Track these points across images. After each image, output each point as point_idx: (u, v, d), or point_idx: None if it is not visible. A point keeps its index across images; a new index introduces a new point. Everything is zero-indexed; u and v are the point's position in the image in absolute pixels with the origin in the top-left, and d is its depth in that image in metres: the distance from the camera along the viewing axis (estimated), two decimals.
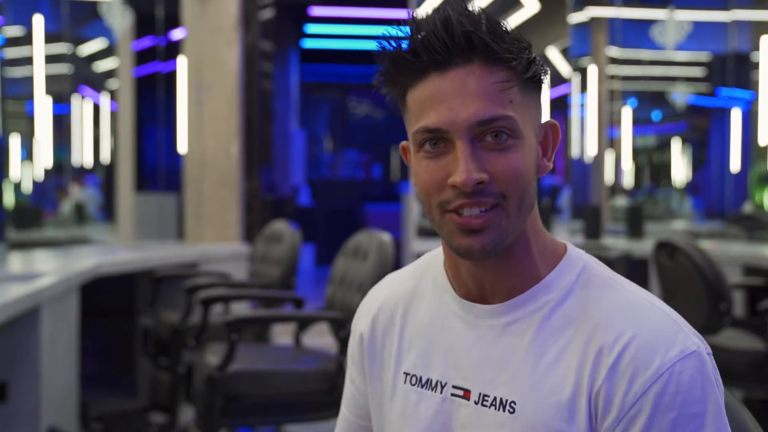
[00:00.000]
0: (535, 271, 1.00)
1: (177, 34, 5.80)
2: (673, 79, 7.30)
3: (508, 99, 0.94)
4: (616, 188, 7.26)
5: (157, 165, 6.48)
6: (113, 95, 5.90)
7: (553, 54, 8.37)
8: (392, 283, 1.16)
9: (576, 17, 6.97)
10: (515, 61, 0.94)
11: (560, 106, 8.19)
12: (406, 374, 1.07)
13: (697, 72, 7.57)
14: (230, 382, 2.68)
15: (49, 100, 5.67)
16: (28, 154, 5.91)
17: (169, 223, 5.30)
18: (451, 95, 0.93)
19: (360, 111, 15.29)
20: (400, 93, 0.99)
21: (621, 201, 7.08)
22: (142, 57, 5.88)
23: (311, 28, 12.71)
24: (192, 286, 3.61)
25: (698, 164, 8.01)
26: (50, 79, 5.58)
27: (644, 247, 4.63)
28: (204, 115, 5.51)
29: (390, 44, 0.96)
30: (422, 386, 1.05)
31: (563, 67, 8.01)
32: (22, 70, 5.60)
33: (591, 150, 6.96)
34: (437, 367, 1.04)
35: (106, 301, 4.41)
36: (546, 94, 1.01)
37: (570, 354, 0.94)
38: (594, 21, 7.12)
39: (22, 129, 5.85)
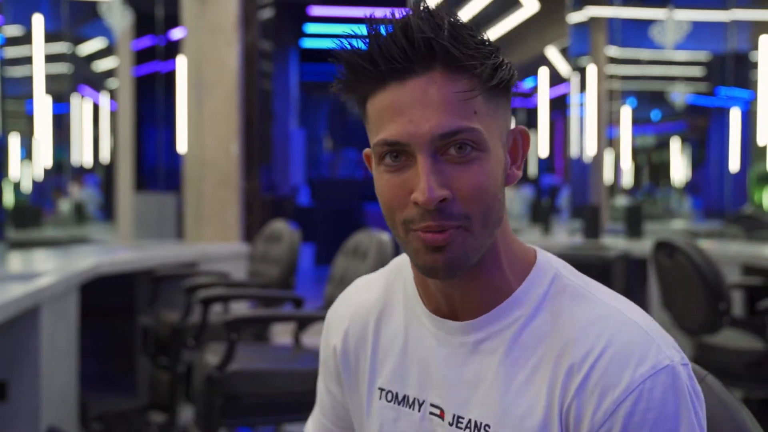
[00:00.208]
0: (506, 284, 0.95)
1: (177, 33, 5.80)
2: (672, 78, 7.31)
3: (472, 109, 0.88)
4: (615, 188, 7.26)
5: (156, 164, 6.49)
6: (113, 95, 5.90)
7: (553, 53, 8.38)
8: (362, 292, 1.10)
9: (575, 17, 6.97)
10: (479, 68, 0.88)
11: (559, 105, 8.20)
12: (381, 390, 1.03)
13: (697, 72, 7.58)
14: (230, 382, 2.68)
15: (49, 99, 5.68)
16: (27, 153, 5.91)
17: (169, 222, 5.30)
18: (411, 106, 0.87)
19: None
20: (360, 100, 0.94)
21: (622, 200, 7.09)
22: (142, 56, 5.89)
23: (311, 28, 12.72)
24: (191, 285, 3.61)
25: (697, 164, 8.02)
26: (50, 79, 5.58)
27: (643, 246, 4.63)
28: (204, 115, 5.52)
29: (347, 49, 0.90)
30: (399, 403, 1.01)
31: (562, 67, 8.01)
32: (21, 69, 5.60)
33: (590, 150, 6.97)
34: (413, 383, 1.00)
35: (105, 300, 4.41)
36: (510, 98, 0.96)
37: (541, 374, 0.90)
38: (593, 21, 7.12)
39: (21, 128, 5.85)
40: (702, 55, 7.42)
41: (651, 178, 8.20)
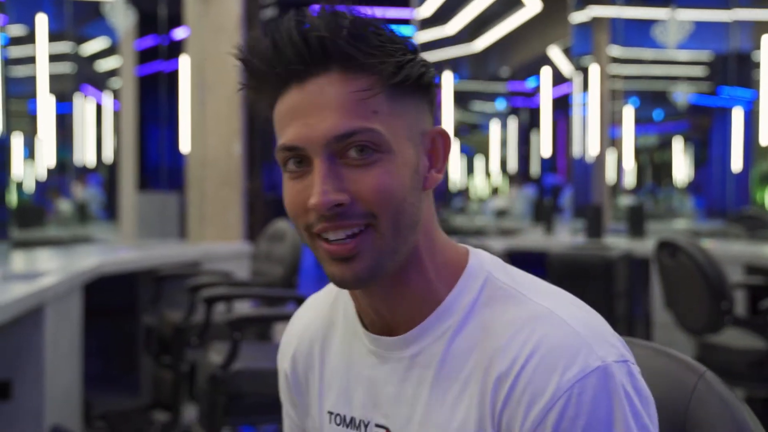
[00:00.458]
0: (434, 294, 0.90)
1: (179, 33, 5.81)
2: (674, 78, 7.31)
3: (372, 109, 0.83)
4: (618, 188, 7.27)
5: (159, 164, 6.50)
6: (116, 94, 5.91)
7: (555, 53, 8.38)
8: (309, 312, 1.07)
9: (578, 17, 6.98)
10: (379, 66, 0.83)
11: (562, 105, 8.21)
12: (330, 413, 0.99)
13: (699, 71, 7.58)
14: (233, 381, 2.69)
15: (52, 99, 5.69)
16: (30, 153, 5.93)
17: (172, 222, 5.31)
18: (309, 109, 0.84)
19: None
20: (269, 105, 0.89)
21: (626, 200, 7.10)
22: (145, 56, 5.90)
23: None
24: (195, 285, 3.61)
25: (700, 163, 8.02)
26: (53, 78, 5.59)
27: (646, 246, 4.63)
28: (206, 115, 5.52)
29: (248, 53, 0.86)
30: (347, 426, 0.97)
31: (565, 67, 8.02)
32: (24, 69, 5.61)
33: (593, 149, 6.97)
34: (358, 404, 0.96)
35: (108, 300, 4.42)
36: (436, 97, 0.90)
37: (472, 386, 0.86)
38: (596, 20, 7.12)
39: (24, 128, 5.87)
40: (704, 55, 7.42)
41: (653, 177, 8.20)
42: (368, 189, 0.83)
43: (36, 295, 2.58)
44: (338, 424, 0.98)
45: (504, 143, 9.56)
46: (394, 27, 0.88)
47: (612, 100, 7.07)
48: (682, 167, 8.00)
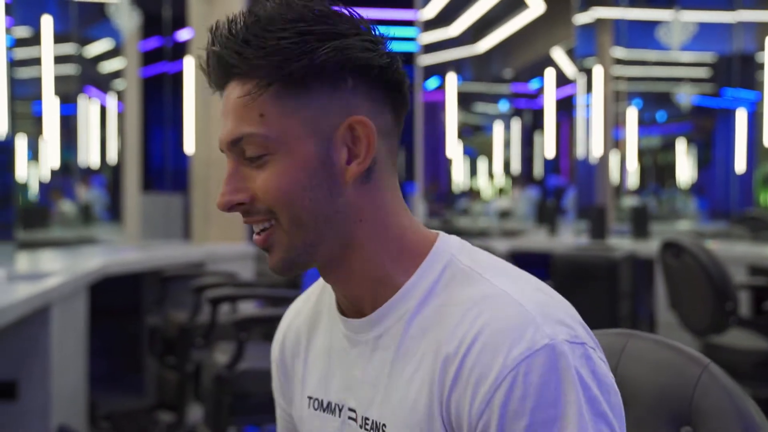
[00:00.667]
0: (392, 278, 0.91)
1: (184, 34, 5.82)
2: (678, 79, 7.31)
3: (258, 113, 0.87)
4: (621, 189, 7.26)
5: (163, 165, 6.51)
6: (120, 96, 5.92)
7: (559, 55, 8.38)
8: (300, 303, 1.10)
9: (581, 18, 6.98)
10: (257, 69, 0.86)
11: (566, 106, 8.21)
12: (310, 398, 1.01)
13: (703, 73, 7.58)
14: (239, 381, 2.70)
15: (56, 100, 5.70)
16: (34, 154, 5.94)
17: (176, 223, 5.32)
18: (223, 114, 0.91)
19: None
20: None
21: (630, 201, 7.10)
22: (149, 57, 5.91)
23: None
24: (199, 285, 3.62)
25: (703, 165, 8.02)
26: (57, 80, 5.61)
27: (650, 247, 4.64)
28: (211, 116, 5.53)
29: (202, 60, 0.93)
30: (323, 410, 0.98)
31: (568, 68, 8.02)
32: (28, 70, 5.63)
33: (596, 150, 6.97)
34: (335, 388, 0.97)
35: (113, 300, 4.43)
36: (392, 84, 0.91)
37: (424, 367, 0.86)
38: (599, 22, 7.13)
39: (28, 129, 5.87)
40: (708, 56, 7.42)
41: (657, 179, 8.20)
42: (261, 189, 0.87)
43: (42, 296, 2.59)
44: (316, 409, 0.99)
45: (507, 145, 9.55)
46: (324, 10, 0.88)
47: (615, 101, 7.07)
48: (685, 168, 7.99)
